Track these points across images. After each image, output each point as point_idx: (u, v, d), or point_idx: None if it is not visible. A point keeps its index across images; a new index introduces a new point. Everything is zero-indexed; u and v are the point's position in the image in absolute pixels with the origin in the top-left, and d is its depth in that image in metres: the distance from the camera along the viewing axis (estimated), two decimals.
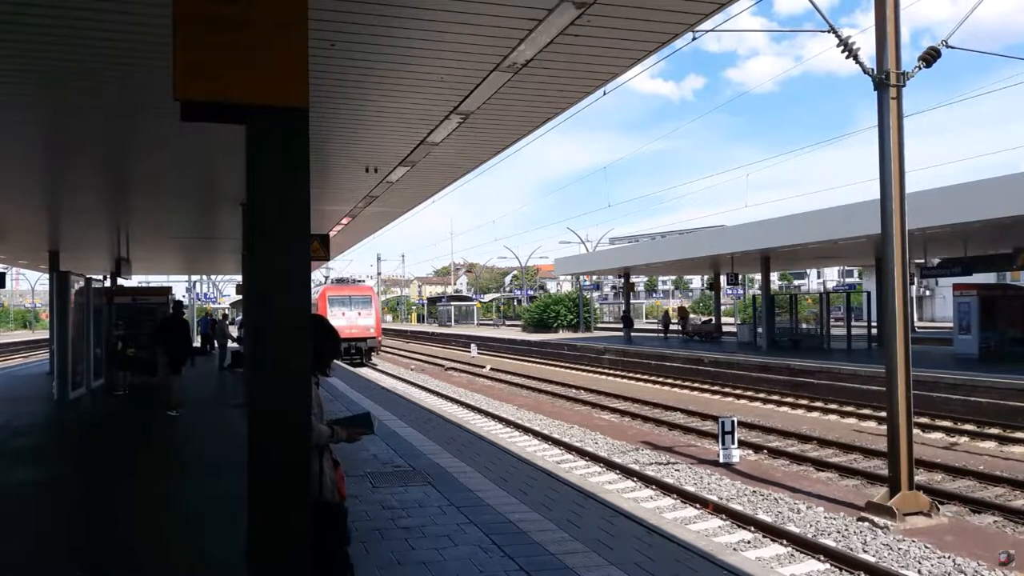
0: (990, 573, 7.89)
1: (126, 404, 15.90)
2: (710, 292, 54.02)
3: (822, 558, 8.35)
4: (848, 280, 76.12)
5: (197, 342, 32.31)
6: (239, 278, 33.73)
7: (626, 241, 77.16)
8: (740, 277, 43.26)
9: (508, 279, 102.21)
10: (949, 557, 8.29)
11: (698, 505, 10.54)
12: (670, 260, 36.05)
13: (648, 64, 7.27)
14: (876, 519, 9.63)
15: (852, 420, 17.83)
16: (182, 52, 2.96)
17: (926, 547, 8.62)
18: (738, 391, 23.06)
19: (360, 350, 34.89)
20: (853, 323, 32.23)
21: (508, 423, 18.02)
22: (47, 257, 22.34)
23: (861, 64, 10.41)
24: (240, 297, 36.42)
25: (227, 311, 51.91)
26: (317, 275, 47.02)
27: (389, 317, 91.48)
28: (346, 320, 33.85)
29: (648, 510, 9.31)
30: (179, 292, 42.51)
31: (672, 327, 44.27)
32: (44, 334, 42.05)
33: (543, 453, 14.26)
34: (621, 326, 45.42)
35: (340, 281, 42.97)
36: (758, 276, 41.90)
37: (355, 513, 5.77)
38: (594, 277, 57.04)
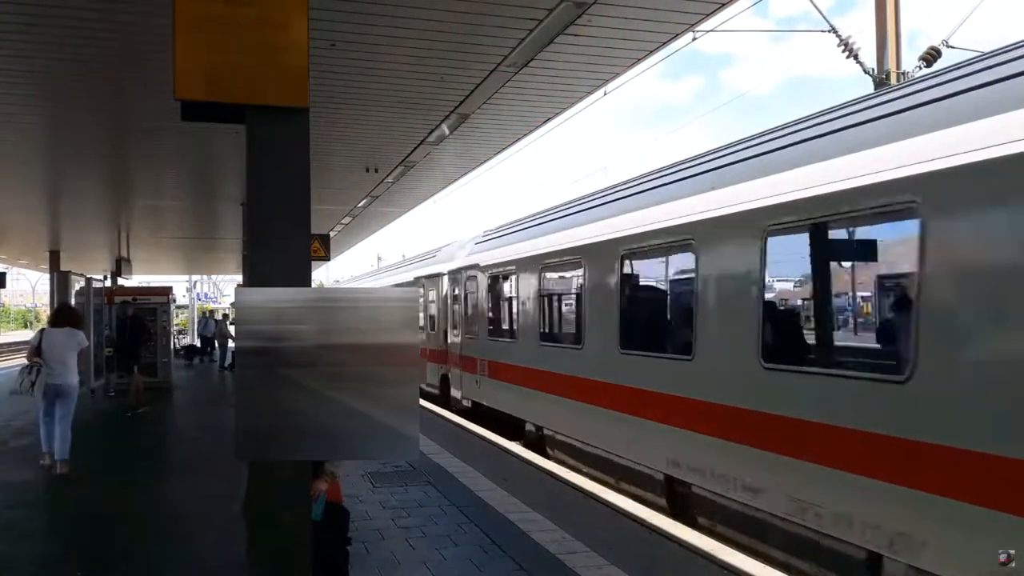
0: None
1: (124, 404, 15.87)
2: None
3: None
4: None
5: (197, 342, 32.29)
6: (239, 278, 33.66)
7: None
8: None
9: None
10: None
11: None
12: None
13: (648, 64, 7.26)
14: None
15: None
16: (182, 52, 2.96)
17: None
18: None
19: None
20: None
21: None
22: (47, 257, 22.35)
23: (861, 64, 10.40)
24: None
25: (228, 311, 51.69)
26: (317, 275, 46.88)
27: None
28: None
29: (648, 510, 9.29)
30: (179, 292, 42.45)
31: None
32: None
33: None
34: None
35: None
36: None
37: (355, 513, 5.76)
38: None
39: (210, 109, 3.11)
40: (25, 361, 9.64)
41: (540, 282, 10.71)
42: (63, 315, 9.46)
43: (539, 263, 10.66)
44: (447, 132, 8.98)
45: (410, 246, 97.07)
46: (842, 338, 6.04)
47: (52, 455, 8.82)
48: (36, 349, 9.03)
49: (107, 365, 17.11)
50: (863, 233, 5.83)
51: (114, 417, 13.76)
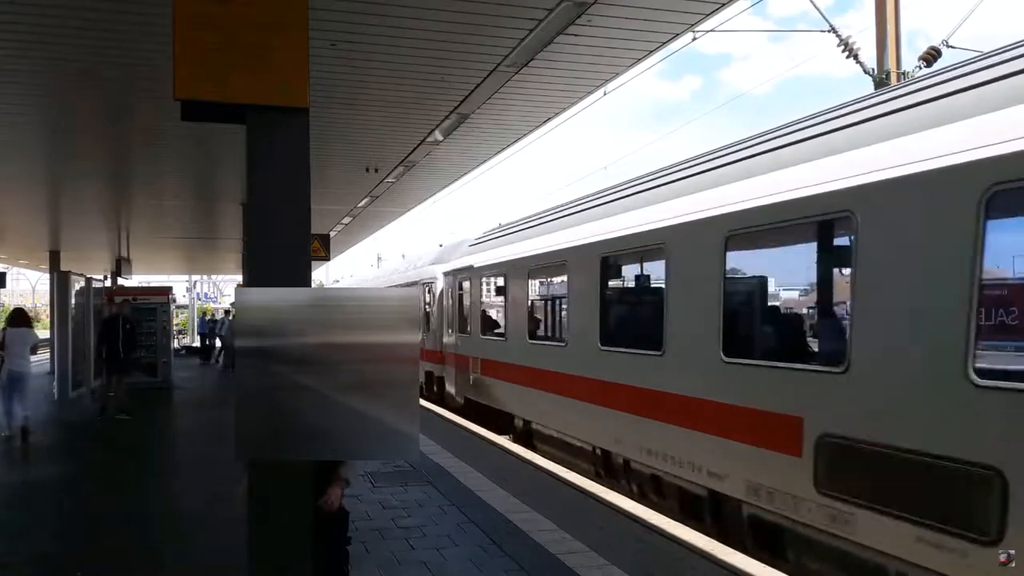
0: None
1: (120, 404, 15.84)
2: None
3: None
4: None
5: (196, 342, 32.26)
6: (239, 278, 33.58)
7: None
8: None
9: None
10: None
11: None
12: None
13: (648, 64, 7.29)
14: None
15: None
16: (182, 52, 2.96)
17: None
18: None
19: None
20: None
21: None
22: (47, 257, 22.35)
23: (861, 64, 10.40)
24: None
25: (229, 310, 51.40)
26: (317, 275, 46.82)
27: None
28: None
29: (648, 509, 9.29)
30: (179, 292, 42.42)
31: None
32: (44, 334, 41.92)
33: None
34: None
35: None
36: None
37: (355, 513, 5.76)
38: None
39: (210, 109, 3.11)
40: None
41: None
42: (19, 318, 11.74)
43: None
44: (448, 132, 8.98)
45: (410, 246, 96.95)
46: None
47: (12, 426, 10.88)
48: (0, 344, 11.16)
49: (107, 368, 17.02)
50: None
51: (110, 417, 13.74)
